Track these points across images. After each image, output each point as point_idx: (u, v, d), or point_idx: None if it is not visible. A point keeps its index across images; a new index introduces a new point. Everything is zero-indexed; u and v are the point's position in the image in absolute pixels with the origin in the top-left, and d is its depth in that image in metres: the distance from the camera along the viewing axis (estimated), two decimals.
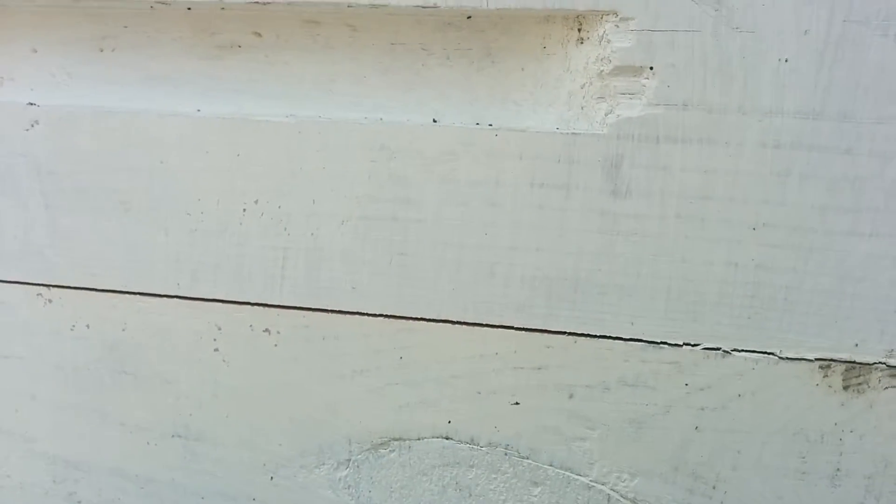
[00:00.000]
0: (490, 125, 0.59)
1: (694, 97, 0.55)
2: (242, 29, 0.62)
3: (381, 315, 0.64)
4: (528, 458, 0.64)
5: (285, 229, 0.63)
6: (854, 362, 0.57)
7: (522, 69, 0.59)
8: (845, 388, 0.57)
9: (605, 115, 0.57)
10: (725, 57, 0.54)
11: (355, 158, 0.60)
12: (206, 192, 0.63)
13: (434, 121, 0.60)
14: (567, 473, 0.64)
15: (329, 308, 0.64)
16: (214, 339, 0.67)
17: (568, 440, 0.63)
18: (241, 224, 0.63)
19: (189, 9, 0.61)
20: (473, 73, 0.60)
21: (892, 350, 0.56)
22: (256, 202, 0.63)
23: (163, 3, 0.60)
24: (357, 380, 0.65)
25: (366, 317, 0.64)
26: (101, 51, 0.65)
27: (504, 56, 0.59)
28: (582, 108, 0.58)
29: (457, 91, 0.61)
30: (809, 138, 0.54)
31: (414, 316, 0.63)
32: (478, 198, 0.59)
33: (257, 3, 0.59)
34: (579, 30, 0.57)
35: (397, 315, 0.63)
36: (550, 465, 0.64)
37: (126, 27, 0.64)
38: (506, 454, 0.64)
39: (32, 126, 0.64)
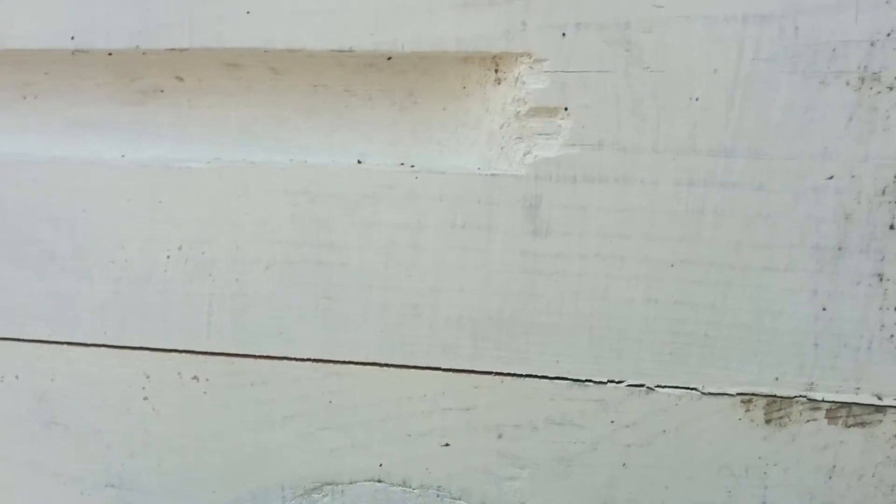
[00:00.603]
0: (412, 167, 0.59)
1: (608, 137, 0.55)
2: (164, 73, 0.62)
3: (308, 359, 0.64)
4: (460, 500, 0.64)
5: (210, 275, 0.62)
6: (775, 396, 0.57)
7: (444, 109, 0.60)
8: (767, 421, 0.58)
9: (524, 155, 0.57)
10: (637, 97, 0.54)
11: (277, 203, 0.60)
12: (129, 240, 0.63)
13: (359, 162, 0.60)
14: None
15: (256, 354, 0.64)
16: (143, 388, 0.66)
17: (499, 480, 0.63)
18: (165, 271, 0.63)
19: (110, 54, 0.60)
20: (396, 114, 0.61)
21: (812, 383, 0.56)
22: (180, 248, 0.62)
23: (83, 51, 0.60)
24: (287, 425, 0.65)
25: (294, 361, 0.64)
26: (24, 98, 0.65)
27: (425, 96, 0.60)
28: (502, 148, 0.58)
29: (380, 132, 0.61)
30: (722, 176, 0.54)
31: (342, 359, 0.63)
32: (400, 240, 0.59)
33: (175, 49, 0.58)
34: (496, 70, 0.57)
35: (325, 359, 0.63)
36: None
37: (47, 74, 0.63)
38: (438, 496, 0.64)
39: None
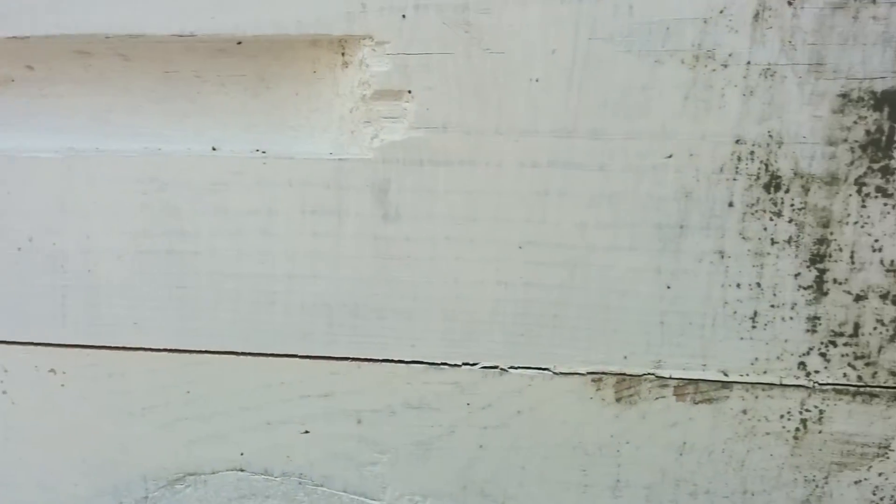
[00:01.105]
0: (264, 153, 0.58)
1: (452, 119, 0.55)
2: (14, 63, 0.61)
3: (165, 350, 0.62)
4: (322, 486, 0.63)
5: (62, 266, 0.61)
6: (624, 374, 0.58)
7: (296, 94, 0.59)
8: (618, 400, 0.58)
9: (371, 139, 0.56)
10: (479, 78, 0.54)
11: (127, 191, 0.59)
12: None
13: (213, 149, 0.59)
14: (361, 499, 0.63)
15: (112, 345, 0.63)
16: (1, 381, 0.65)
17: (359, 465, 0.62)
18: (17, 263, 0.62)
19: None
20: (249, 100, 0.60)
21: (660, 361, 0.57)
22: (31, 240, 0.61)
23: None
24: (147, 416, 0.64)
25: (150, 352, 0.63)
26: None
27: (277, 81, 0.59)
28: (352, 132, 0.57)
29: (234, 118, 0.60)
30: (565, 156, 0.54)
31: (198, 349, 0.62)
32: (251, 227, 0.59)
33: (17, 38, 0.57)
34: (343, 54, 0.57)
35: (181, 349, 0.62)
36: (344, 492, 0.63)
37: None
38: (300, 483, 0.63)
39: None
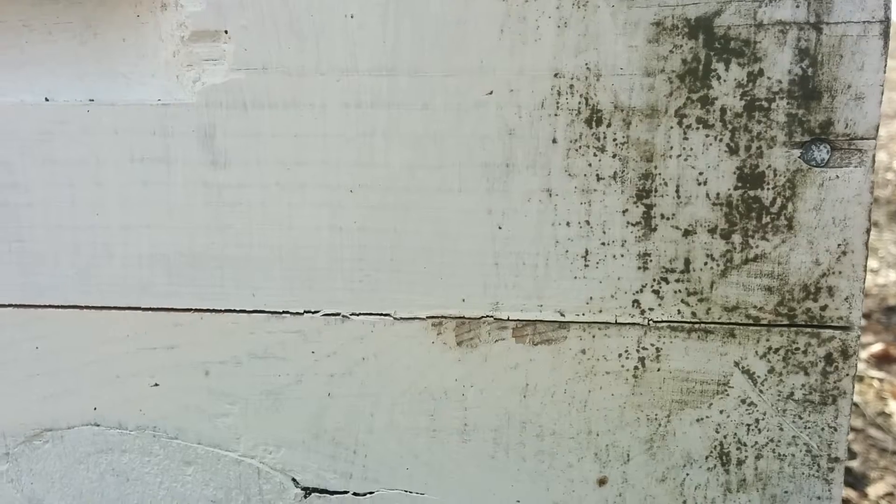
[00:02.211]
0: (91, 100, 0.56)
1: (272, 60, 0.54)
2: None
3: (9, 305, 0.61)
4: (176, 439, 0.63)
5: None
6: (463, 318, 0.57)
7: (124, 40, 0.58)
8: (459, 343, 0.57)
9: (194, 83, 0.55)
10: (294, 16, 0.53)
11: None
12: None
13: (46, 99, 0.57)
14: (216, 450, 0.62)
15: None
16: None
17: (211, 417, 0.62)
18: None
19: None
20: (78, 47, 0.58)
21: (497, 303, 0.56)
22: None
23: None
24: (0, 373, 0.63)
25: None
26: None
27: (104, 28, 0.57)
28: (177, 77, 0.56)
29: (65, 67, 0.58)
30: (387, 96, 0.53)
31: (42, 304, 0.61)
32: (81, 177, 0.58)
33: None
34: None
35: (25, 304, 0.61)
36: (199, 444, 0.63)
37: None
38: (154, 436, 0.63)
39: None
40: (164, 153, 0.56)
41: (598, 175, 0.52)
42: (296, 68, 0.53)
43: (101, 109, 0.56)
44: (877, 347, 1.99)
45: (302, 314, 0.58)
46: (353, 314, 0.58)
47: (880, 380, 1.87)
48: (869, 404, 1.78)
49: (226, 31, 0.53)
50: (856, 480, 1.53)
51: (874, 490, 1.51)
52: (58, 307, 0.61)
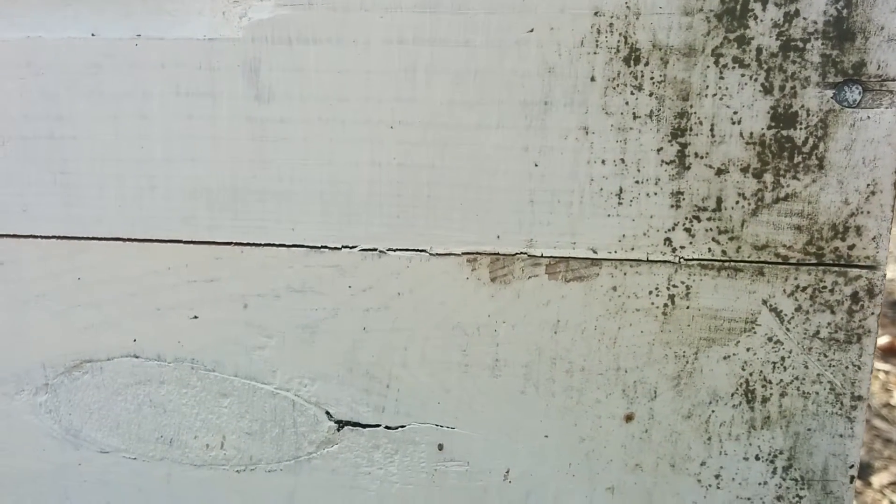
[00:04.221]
0: (138, 35, 0.59)
1: None
2: None
3: (53, 237, 0.64)
4: (213, 371, 0.66)
5: None
6: (497, 254, 0.59)
7: None
8: (493, 279, 0.60)
9: (240, 18, 0.57)
10: None
11: (4, 77, 0.60)
12: None
13: (93, 34, 0.60)
14: (252, 383, 0.65)
15: (3, 233, 0.65)
16: None
17: (248, 350, 0.65)
18: None
19: None
20: None
21: (531, 240, 0.58)
22: None
23: None
24: (41, 303, 0.66)
25: (40, 239, 0.65)
26: None
27: None
28: (223, 13, 0.58)
29: (112, 4, 0.61)
30: (430, 32, 0.56)
31: (85, 235, 0.64)
32: (127, 110, 0.60)
33: None
34: None
35: (69, 235, 0.64)
36: (236, 376, 0.65)
37: None
38: (192, 368, 0.66)
39: None
40: (210, 87, 0.59)
41: (634, 113, 0.55)
42: (340, 4, 0.56)
43: (149, 44, 0.58)
44: (883, 340, 2.01)
45: (340, 249, 0.61)
46: (389, 249, 0.60)
47: (886, 372, 1.89)
48: (874, 395, 1.81)
49: None
50: (860, 470, 1.55)
51: (878, 479, 1.54)
52: (101, 239, 0.64)
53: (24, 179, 0.62)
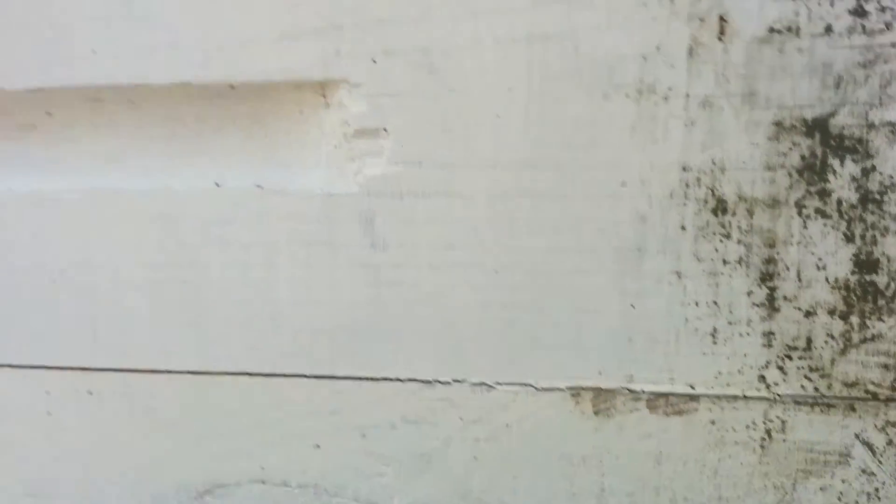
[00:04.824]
0: (261, 187, 0.71)
1: (426, 154, 0.66)
2: (35, 110, 0.74)
3: (188, 372, 0.76)
4: (336, 496, 0.76)
5: (92, 297, 0.75)
6: (600, 388, 0.68)
7: (287, 133, 0.71)
8: (596, 413, 0.69)
9: (355, 174, 0.68)
10: (446, 116, 0.65)
11: (143, 228, 0.72)
12: (15, 266, 0.76)
13: (217, 185, 0.73)
14: None
15: (142, 368, 0.77)
16: (45, 404, 0.79)
17: (368, 477, 0.75)
18: (51, 294, 0.76)
19: None
20: (245, 139, 0.72)
21: (631, 375, 0.67)
22: (62, 273, 0.75)
23: None
24: (175, 433, 0.77)
25: (174, 374, 0.76)
26: None
27: (269, 121, 0.71)
28: (338, 168, 0.69)
29: (233, 156, 0.72)
30: (529, 186, 0.65)
31: (216, 371, 0.75)
32: (255, 259, 0.71)
33: (36, 90, 0.72)
34: (324, 96, 0.69)
35: (202, 371, 0.76)
36: (356, 501, 0.75)
37: None
38: (315, 493, 0.76)
39: None
40: (328, 237, 0.69)
41: (724, 259, 0.63)
42: (447, 162, 0.65)
43: (270, 196, 0.70)
44: None
45: (451, 383, 0.70)
46: (497, 383, 0.69)
47: None
48: None
49: (385, 129, 0.66)
50: None
51: None
52: (230, 374, 0.74)
53: (162, 320, 0.74)
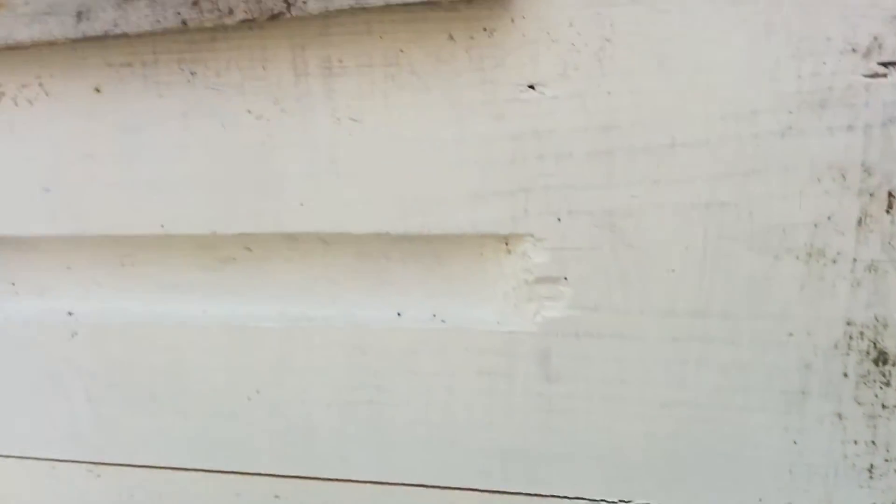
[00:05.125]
0: (443, 322, 0.77)
1: (602, 301, 0.72)
2: (236, 245, 0.81)
3: (368, 482, 0.83)
4: None
5: (284, 412, 0.82)
6: None
7: (466, 270, 0.78)
8: None
9: (534, 315, 0.75)
10: (624, 269, 0.71)
11: (334, 355, 0.79)
12: (213, 385, 0.83)
13: (398, 314, 0.79)
14: None
15: (324, 476, 0.83)
16: None
17: None
18: (247, 409, 0.83)
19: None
20: (427, 275, 0.78)
21: (791, 503, 0.73)
22: (258, 392, 0.82)
23: (170, 235, 0.80)
24: None
25: (355, 483, 0.83)
26: (122, 265, 0.86)
27: (450, 261, 0.77)
28: (515, 306, 0.76)
29: (415, 290, 0.78)
30: (700, 332, 0.71)
31: (395, 482, 0.82)
32: (436, 385, 0.77)
33: (242, 234, 0.79)
34: (507, 244, 0.75)
35: (381, 481, 0.82)
36: None
37: (140, 247, 0.85)
38: None
39: (73, 336, 0.86)
40: (507, 369, 0.75)
41: (883, 404, 0.69)
42: (622, 309, 0.71)
43: (450, 330, 0.76)
44: None
45: (616, 503, 0.77)
46: None
47: None
48: None
49: (565, 278, 0.72)
50: None
51: None
52: (408, 485, 0.81)
53: (346, 435, 0.80)
